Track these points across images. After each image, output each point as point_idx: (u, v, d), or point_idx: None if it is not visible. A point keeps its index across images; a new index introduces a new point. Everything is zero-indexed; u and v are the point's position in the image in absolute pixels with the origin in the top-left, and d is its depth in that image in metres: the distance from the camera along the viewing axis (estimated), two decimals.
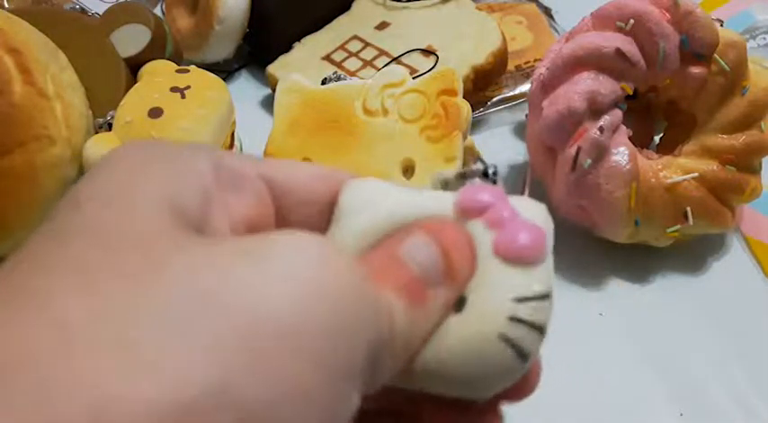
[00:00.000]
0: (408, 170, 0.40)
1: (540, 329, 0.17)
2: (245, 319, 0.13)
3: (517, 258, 0.18)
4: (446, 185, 0.20)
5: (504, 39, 0.48)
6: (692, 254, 0.39)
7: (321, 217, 0.19)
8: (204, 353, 0.12)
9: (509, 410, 0.34)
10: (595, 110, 0.36)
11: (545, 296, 0.18)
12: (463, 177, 0.20)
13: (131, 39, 0.44)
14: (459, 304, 0.17)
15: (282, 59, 0.52)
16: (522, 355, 0.17)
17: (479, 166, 0.20)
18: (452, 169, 0.19)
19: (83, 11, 0.51)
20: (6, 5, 0.52)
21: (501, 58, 0.48)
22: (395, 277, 0.16)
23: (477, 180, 0.19)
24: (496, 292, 0.17)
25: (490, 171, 0.20)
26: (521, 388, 0.19)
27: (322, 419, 0.13)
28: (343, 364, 0.14)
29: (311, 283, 0.14)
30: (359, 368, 0.14)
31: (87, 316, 0.12)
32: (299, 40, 0.53)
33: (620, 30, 0.36)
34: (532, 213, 0.19)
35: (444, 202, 0.18)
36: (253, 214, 0.18)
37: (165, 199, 0.15)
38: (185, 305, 0.13)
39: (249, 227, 0.18)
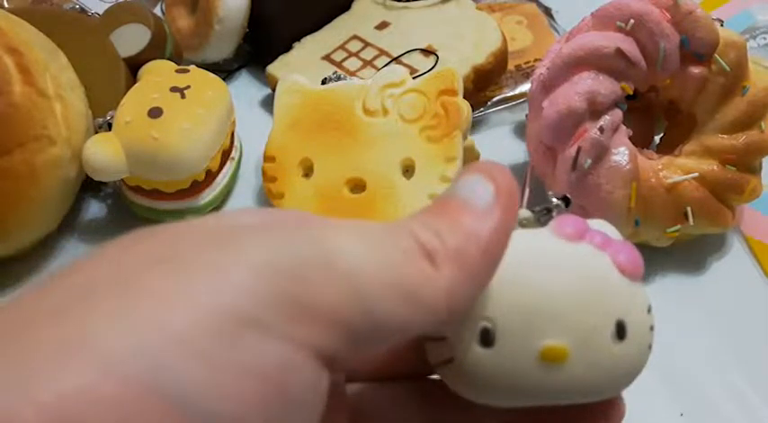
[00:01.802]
0: (408, 170, 0.40)
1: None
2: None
3: (639, 275, 0.19)
4: (528, 223, 0.21)
5: (504, 39, 0.48)
6: (692, 254, 0.39)
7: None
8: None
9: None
10: (595, 110, 0.36)
11: None
12: (546, 212, 0.21)
13: (131, 39, 0.44)
14: (621, 331, 0.19)
15: (282, 59, 0.52)
16: (651, 349, 0.20)
17: (551, 201, 0.21)
18: (527, 211, 0.21)
19: (83, 11, 0.51)
20: (6, 5, 0.52)
21: (501, 58, 0.48)
22: (447, 213, 0.17)
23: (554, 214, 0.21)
24: (643, 311, 0.19)
25: (565, 203, 0.21)
26: None
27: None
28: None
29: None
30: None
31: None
32: (298, 40, 0.53)
33: (620, 30, 0.36)
34: (607, 228, 0.21)
35: (543, 234, 0.20)
36: None
37: None
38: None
39: None
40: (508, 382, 0.19)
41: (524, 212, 0.21)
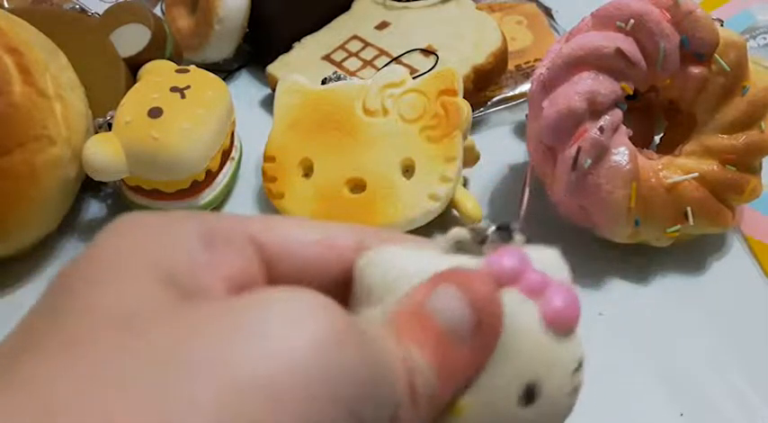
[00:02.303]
0: (408, 170, 0.40)
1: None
2: (232, 394, 0.12)
3: (570, 328, 0.17)
4: (461, 247, 0.18)
5: (504, 39, 0.48)
6: (692, 254, 0.39)
7: (324, 290, 0.17)
8: (171, 416, 0.12)
9: None
10: (595, 110, 0.36)
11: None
12: (481, 241, 0.18)
13: (131, 39, 0.44)
14: (530, 394, 0.17)
15: (282, 59, 0.52)
16: (570, 411, 0.17)
17: (491, 226, 0.18)
18: (466, 231, 0.18)
19: (83, 11, 0.51)
20: (6, 5, 0.52)
21: (501, 58, 0.48)
22: (420, 333, 0.15)
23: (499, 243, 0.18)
24: (565, 372, 0.17)
25: (507, 231, 0.18)
26: None
27: None
28: None
29: (306, 358, 0.13)
30: None
31: (72, 394, 0.12)
32: (298, 40, 0.53)
33: (620, 30, 0.36)
34: (552, 266, 0.18)
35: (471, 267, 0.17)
36: (241, 279, 0.17)
37: (154, 271, 0.15)
38: (169, 376, 0.13)
39: (239, 291, 0.17)
40: None
41: (461, 233, 0.18)
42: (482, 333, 0.16)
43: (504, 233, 0.18)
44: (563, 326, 0.17)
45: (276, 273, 0.18)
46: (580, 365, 0.17)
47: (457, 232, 0.18)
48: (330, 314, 0.14)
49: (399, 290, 0.17)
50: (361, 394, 0.14)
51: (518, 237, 0.18)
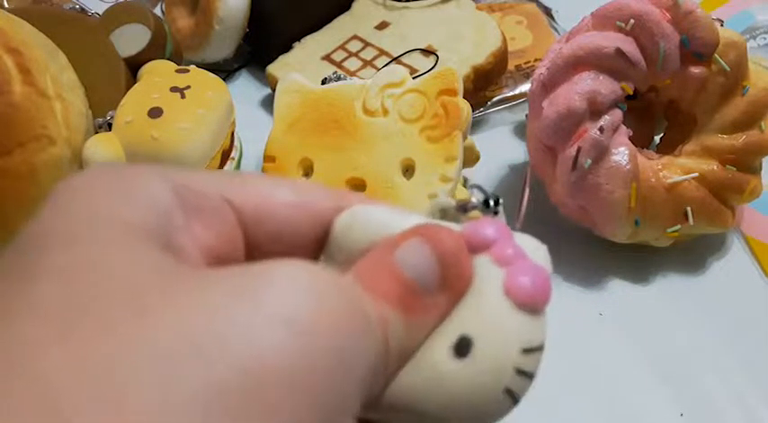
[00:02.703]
0: (408, 170, 0.40)
1: (533, 377, 0.16)
2: (238, 367, 0.12)
3: (529, 304, 0.16)
4: (444, 215, 0.19)
5: (504, 39, 0.48)
6: (692, 254, 0.39)
7: (301, 252, 0.17)
8: (195, 404, 0.11)
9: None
10: (595, 110, 0.36)
11: (543, 346, 0.16)
12: (464, 209, 0.18)
13: (131, 39, 0.44)
14: (462, 347, 0.16)
15: (282, 59, 0.52)
16: (517, 402, 0.16)
17: (480, 195, 0.18)
18: (452, 199, 0.19)
19: (83, 11, 0.51)
20: (6, 5, 0.52)
21: (501, 58, 0.48)
22: (388, 286, 0.15)
23: (477, 211, 0.18)
24: (508, 342, 0.16)
25: (491, 202, 0.18)
26: None
27: None
28: (341, 401, 0.13)
29: (309, 324, 0.13)
30: (357, 398, 0.14)
31: (71, 374, 0.11)
32: (299, 40, 0.53)
33: (620, 30, 0.36)
34: (535, 253, 0.18)
35: None
36: (217, 243, 0.16)
37: (133, 227, 0.14)
38: (175, 353, 0.12)
39: (215, 256, 0.16)
40: None
41: (447, 202, 0.19)
42: (448, 288, 0.16)
43: (491, 207, 0.18)
44: (523, 300, 0.16)
45: (252, 234, 0.17)
46: (534, 349, 0.16)
47: (442, 199, 0.18)
48: (331, 291, 0.14)
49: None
50: (366, 365, 0.14)
51: (501, 212, 0.18)
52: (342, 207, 0.18)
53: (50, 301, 0.12)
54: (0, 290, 0.13)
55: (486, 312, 0.16)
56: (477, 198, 0.18)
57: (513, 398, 0.16)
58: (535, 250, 0.18)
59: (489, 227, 0.17)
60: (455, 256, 0.16)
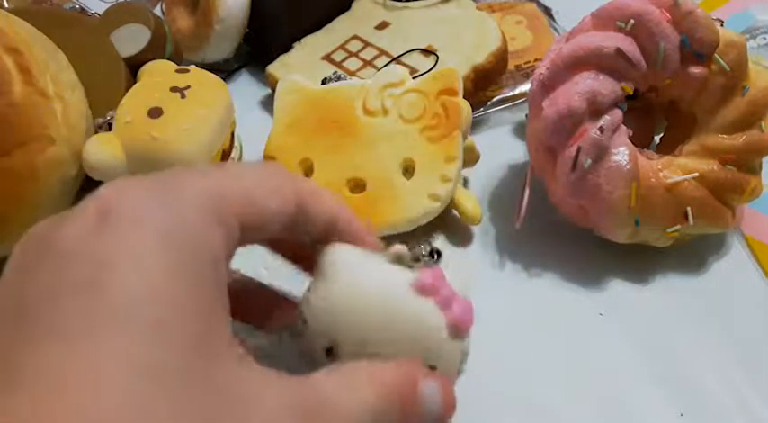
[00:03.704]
0: (408, 170, 0.40)
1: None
2: None
3: (463, 332, 0.24)
4: (400, 261, 0.25)
5: (504, 39, 0.48)
6: (692, 254, 0.39)
7: (280, 233, 0.22)
8: None
9: (510, 410, 0.34)
10: (595, 110, 0.36)
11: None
12: (416, 259, 0.25)
13: (131, 39, 0.44)
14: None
15: (282, 59, 0.52)
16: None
17: (425, 249, 0.26)
18: (406, 249, 0.25)
19: (83, 11, 0.51)
20: (6, 5, 0.52)
21: (501, 58, 0.48)
22: (406, 402, 0.22)
23: (427, 263, 0.25)
24: (454, 363, 0.24)
25: (435, 254, 0.26)
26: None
27: None
28: None
29: None
30: None
31: None
32: (299, 40, 0.53)
33: (620, 30, 0.36)
34: (459, 283, 0.25)
35: (404, 279, 0.24)
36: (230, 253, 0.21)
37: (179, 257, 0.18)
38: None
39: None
40: None
41: (402, 250, 0.25)
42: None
43: (433, 255, 0.26)
44: (458, 332, 0.24)
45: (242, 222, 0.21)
46: (465, 356, 0.25)
47: (399, 249, 0.25)
48: None
49: (342, 281, 0.24)
50: None
51: (442, 259, 0.26)
52: (301, 199, 0.23)
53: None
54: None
55: (441, 349, 0.24)
56: (425, 250, 0.26)
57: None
58: (458, 280, 0.25)
59: (434, 276, 0.24)
60: (451, 400, 0.24)
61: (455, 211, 0.41)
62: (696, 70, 0.36)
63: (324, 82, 0.45)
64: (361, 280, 0.24)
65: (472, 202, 0.40)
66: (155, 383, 0.15)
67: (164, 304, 0.16)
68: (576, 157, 0.35)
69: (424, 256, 0.25)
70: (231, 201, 0.20)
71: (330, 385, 0.20)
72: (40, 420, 0.14)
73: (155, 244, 0.17)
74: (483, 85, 0.48)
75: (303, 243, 0.25)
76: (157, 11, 0.56)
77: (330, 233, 0.24)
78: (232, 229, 0.20)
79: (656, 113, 0.42)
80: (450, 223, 0.42)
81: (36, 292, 0.16)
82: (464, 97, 0.41)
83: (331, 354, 0.24)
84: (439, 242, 0.40)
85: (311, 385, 0.20)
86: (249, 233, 0.21)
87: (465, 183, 0.44)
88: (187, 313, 0.17)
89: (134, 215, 0.17)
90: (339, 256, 0.24)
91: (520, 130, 0.48)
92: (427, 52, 0.48)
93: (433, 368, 0.24)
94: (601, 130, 0.35)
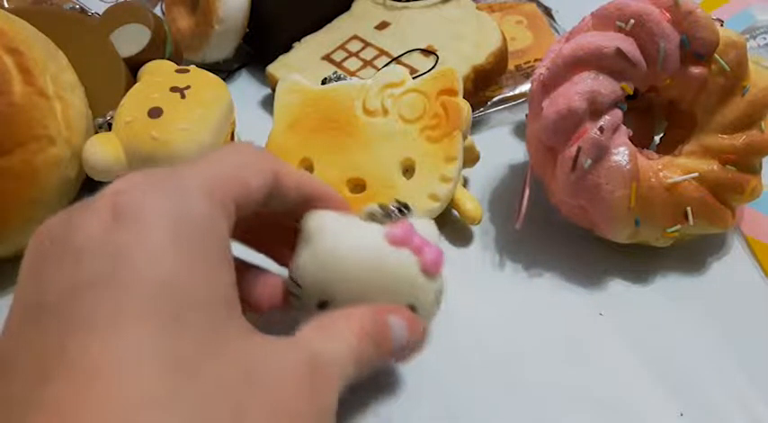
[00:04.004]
0: (408, 170, 0.40)
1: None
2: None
3: (436, 272, 0.29)
4: (373, 218, 0.29)
5: (504, 39, 0.48)
6: (692, 254, 0.39)
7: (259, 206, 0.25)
8: None
9: (509, 408, 0.34)
10: (595, 110, 0.36)
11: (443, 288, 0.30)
12: (387, 214, 0.29)
13: (131, 39, 0.44)
14: (412, 309, 0.29)
15: (282, 59, 0.52)
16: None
17: (394, 206, 0.30)
18: (377, 207, 0.29)
19: (83, 11, 0.51)
20: (6, 5, 0.52)
21: (501, 58, 0.48)
22: (380, 337, 0.26)
23: (396, 214, 0.29)
24: (430, 300, 0.29)
25: (404, 209, 0.30)
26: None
27: None
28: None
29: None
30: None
31: None
32: (299, 40, 0.53)
33: (620, 30, 0.36)
34: (429, 232, 0.30)
35: (378, 233, 0.28)
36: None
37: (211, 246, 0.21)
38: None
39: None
40: None
41: (374, 208, 0.29)
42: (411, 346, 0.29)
43: (402, 211, 0.30)
44: (433, 272, 0.28)
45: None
46: (441, 294, 0.29)
47: (371, 208, 0.29)
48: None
49: (325, 241, 0.28)
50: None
51: (411, 212, 0.30)
52: (279, 174, 0.25)
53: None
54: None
55: (416, 288, 0.28)
56: (394, 206, 0.30)
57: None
58: (429, 229, 0.30)
59: (403, 229, 0.28)
60: (417, 334, 0.28)
61: (455, 211, 0.41)
62: (696, 70, 0.36)
63: (324, 82, 0.45)
64: (341, 238, 0.28)
65: (473, 201, 0.40)
66: (177, 371, 0.16)
67: (180, 295, 0.17)
68: (576, 157, 0.35)
69: (393, 212, 0.30)
70: (227, 184, 0.22)
71: (317, 340, 0.23)
72: (76, 410, 0.15)
73: (167, 236, 0.18)
74: (483, 85, 0.48)
75: (279, 218, 0.28)
76: (157, 11, 0.56)
77: (302, 200, 0.27)
78: (230, 209, 0.22)
79: (656, 113, 0.42)
80: (450, 223, 0.42)
81: (58, 289, 0.17)
82: (464, 97, 0.41)
83: (324, 307, 0.28)
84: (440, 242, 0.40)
85: (303, 344, 0.22)
86: (239, 211, 0.23)
87: (465, 183, 0.44)
88: (202, 302, 0.18)
89: (145, 210, 0.18)
90: (320, 220, 0.28)
91: (520, 130, 0.48)
92: (427, 52, 0.48)
93: (412, 307, 0.28)
94: (601, 130, 0.35)
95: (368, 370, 0.25)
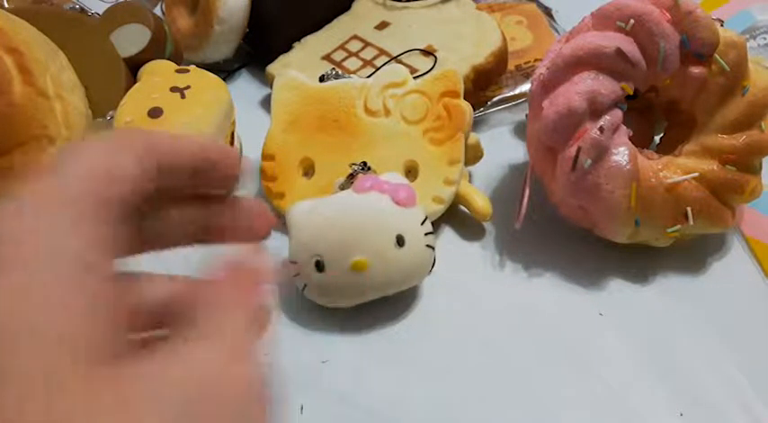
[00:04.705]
0: (411, 171, 0.40)
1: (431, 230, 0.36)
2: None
3: (412, 203, 0.34)
4: (342, 187, 0.37)
5: (504, 39, 0.48)
6: (692, 254, 0.39)
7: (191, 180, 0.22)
8: None
9: (510, 408, 0.34)
10: (595, 110, 0.36)
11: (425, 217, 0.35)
12: (351, 176, 0.37)
13: (131, 39, 0.44)
14: (400, 240, 0.34)
15: (282, 59, 0.52)
16: (431, 249, 0.35)
17: (355, 165, 0.38)
18: (340, 178, 0.37)
19: (83, 11, 0.51)
20: (6, 5, 0.52)
21: (501, 58, 0.48)
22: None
23: (361, 174, 0.37)
24: (415, 226, 0.34)
25: (365, 167, 0.38)
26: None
27: None
28: None
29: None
30: None
31: None
32: (299, 40, 0.53)
33: (620, 30, 0.36)
34: (397, 178, 0.36)
35: (349, 191, 0.35)
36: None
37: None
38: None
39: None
40: (337, 289, 0.35)
41: (339, 179, 0.37)
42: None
43: (363, 168, 0.38)
44: (406, 203, 0.34)
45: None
46: (426, 219, 0.35)
47: (337, 180, 0.37)
48: None
49: (310, 228, 0.35)
50: None
51: (371, 169, 0.38)
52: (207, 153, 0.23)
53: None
54: None
55: (397, 219, 0.34)
56: (354, 167, 0.38)
57: (428, 247, 0.35)
58: (397, 178, 0.36)
59: (367, 179, 0.35)
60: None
61: (463, 208, 0.41)
62: (696, 70, 0.36)
63: (322, 78, 0.45)
64: (317, 206, 0.34)
65: (483, 198, 0.40)
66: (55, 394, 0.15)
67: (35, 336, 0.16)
68: (576, 157, 0.35)
69: (355, 171, 0.37)
70: (94, 195, 0.19)
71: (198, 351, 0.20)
72: None
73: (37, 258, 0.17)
74: (483, 85, 0.48)
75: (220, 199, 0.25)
76: (157, 11, 0.56)
77: (204, 163, 0.23)
78: (109, 217, 0.18)
79: (656, 113, 0.42)
80: (450, 223, 0.42)
81: None
82: (464, 97, 0.41)
83: (320, 265, 0.34)
84: (440, 241, 0.40)
85: (179, 358, 0.19)
86: (167, 174, 0.20)
87: (469, 178, 0.44)
88: (59, 342, 0.16)
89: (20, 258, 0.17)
90: (297, 209, 0.35)
91: (520, 130, 0.48)
92: (427, 52, 0.48)
93: (402, 237, 0.33)
94: (601, 130, 0.35)
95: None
